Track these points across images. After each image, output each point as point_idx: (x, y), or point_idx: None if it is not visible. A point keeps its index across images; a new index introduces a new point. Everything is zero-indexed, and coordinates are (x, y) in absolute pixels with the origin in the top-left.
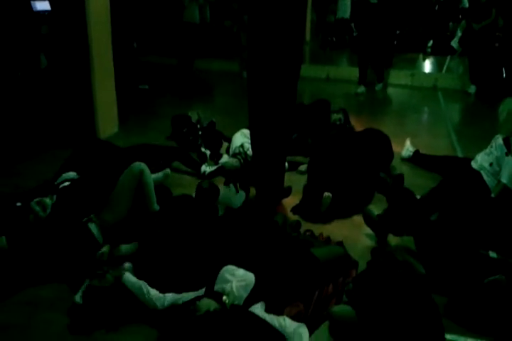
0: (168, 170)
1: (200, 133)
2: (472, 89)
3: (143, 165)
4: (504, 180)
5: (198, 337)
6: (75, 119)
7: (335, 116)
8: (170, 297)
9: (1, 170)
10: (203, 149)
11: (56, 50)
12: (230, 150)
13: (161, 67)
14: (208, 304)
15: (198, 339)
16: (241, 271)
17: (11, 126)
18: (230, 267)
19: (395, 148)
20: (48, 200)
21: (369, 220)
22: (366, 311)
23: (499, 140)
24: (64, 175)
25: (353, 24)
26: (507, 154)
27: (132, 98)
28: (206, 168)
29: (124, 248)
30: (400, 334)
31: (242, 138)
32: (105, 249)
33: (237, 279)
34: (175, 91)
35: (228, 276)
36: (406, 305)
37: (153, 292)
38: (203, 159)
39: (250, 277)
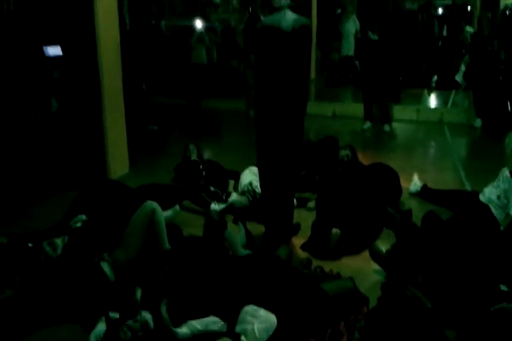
0: (177, 207)
1: (203, 173)
2: (478, 122)
3: (155, 204)
4: None
5: None
6: (87, 161)
7: (343, 153)
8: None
9: (12, 212)
10: (212, 188)
11: (67, 93)
12: (239, 187)
13: (169, 107)
14: None
15: None
16: (262, 312)
17: (23, 168)
18: (252, 307)
19: (403, 183)
20: (58, 241)
21: (376, 256)
22: None
23: (506, 172)
24: (76, 217)
25: (357, 61)
26: None
27: (142, 139)
28: (215, 207)
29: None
30: None
31: (250, 176)
32: (138, 293)
33: (259, 320)
34: (183, 130)
35: (250, 318)
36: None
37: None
38: (213, 197)
39: (272, 319)
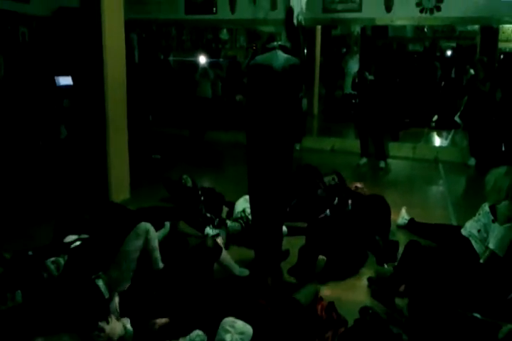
0: (167, 224)
1: (202, 198)
2: (472, 161)
3: (148, 225)
4: (491, 246)
5: None
6: (90, 185)
7: (328, 178)
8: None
9: (13, 233)
10: (208, 214)
11: (76, 121)
12: (233, 214)
13: (174, 138)
14: None
15: None
16: (240, 323)
17: (27, 190)
18: (230, 319)
19: (393, 216)
20: (62, 261)
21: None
22: None
23: (486, 208)
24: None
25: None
26: (493, 221)
27: (145, 167)
28: (210, 231)
29: None
30: None
31: (244, 204)
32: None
33: (237, 331)
34: (186, 160)
35: (228, 328)
36: None
37: None
38: (208, 222)
39: (248, 329)
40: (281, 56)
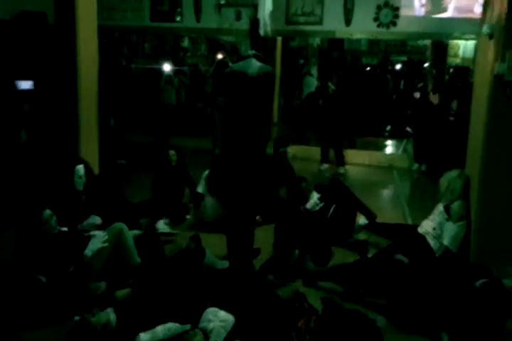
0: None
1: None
2: (415, 166)
3: (122, 225)
4: (446, 243)
5: None
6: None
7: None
8: (159, 330)
9: None
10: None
11: (37, 126)
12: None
13: (138, 144)
14: (195, 337)
15: None
16: (222, 313)
17: None
18: (213, 309)
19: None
20: None
21: None
22: None
23: (440, 207)
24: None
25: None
26: (447, 220)
27: (111, 171)
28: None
29: (121, 293)
30: None
31: None
32: (102, 285)
33: (219, 319)
34: (150, 165)
35: (211, 317)
36: None
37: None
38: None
39: (230, 318)
40: (255, 64)
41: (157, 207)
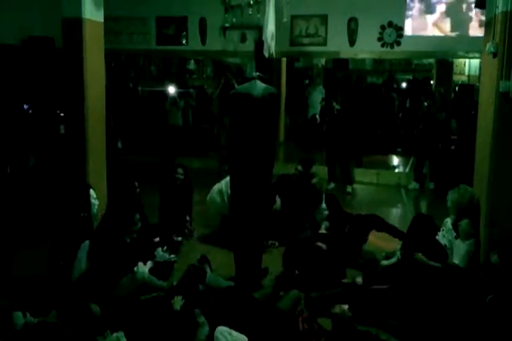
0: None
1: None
2: (413, 185)
3: (145, 273)
4: (456, 262)
5: None
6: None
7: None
8: None
9: None
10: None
11: (45, 149)
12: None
13: (145, 165)
14: None
15: None
16: (234, 333)
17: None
18: (224, 328)
19: None
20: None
21: None
22: None
23: (448, 224)
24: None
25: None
26: (456, 238)
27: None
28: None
29: None
30: None
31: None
32: None
33: (233, 339)
34: (157, 185)
35: (223, 337)
36: None
37: None
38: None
39: (243, 338)
40: (260, 85)
41: (165, 232)
